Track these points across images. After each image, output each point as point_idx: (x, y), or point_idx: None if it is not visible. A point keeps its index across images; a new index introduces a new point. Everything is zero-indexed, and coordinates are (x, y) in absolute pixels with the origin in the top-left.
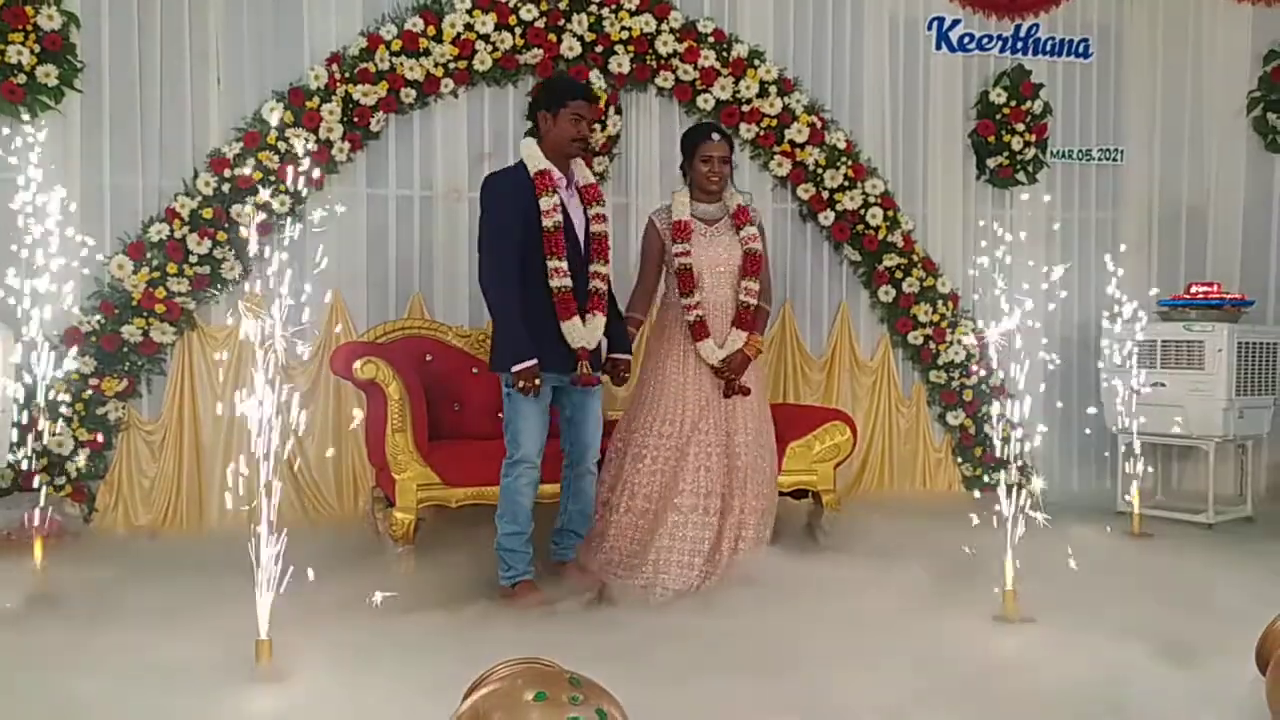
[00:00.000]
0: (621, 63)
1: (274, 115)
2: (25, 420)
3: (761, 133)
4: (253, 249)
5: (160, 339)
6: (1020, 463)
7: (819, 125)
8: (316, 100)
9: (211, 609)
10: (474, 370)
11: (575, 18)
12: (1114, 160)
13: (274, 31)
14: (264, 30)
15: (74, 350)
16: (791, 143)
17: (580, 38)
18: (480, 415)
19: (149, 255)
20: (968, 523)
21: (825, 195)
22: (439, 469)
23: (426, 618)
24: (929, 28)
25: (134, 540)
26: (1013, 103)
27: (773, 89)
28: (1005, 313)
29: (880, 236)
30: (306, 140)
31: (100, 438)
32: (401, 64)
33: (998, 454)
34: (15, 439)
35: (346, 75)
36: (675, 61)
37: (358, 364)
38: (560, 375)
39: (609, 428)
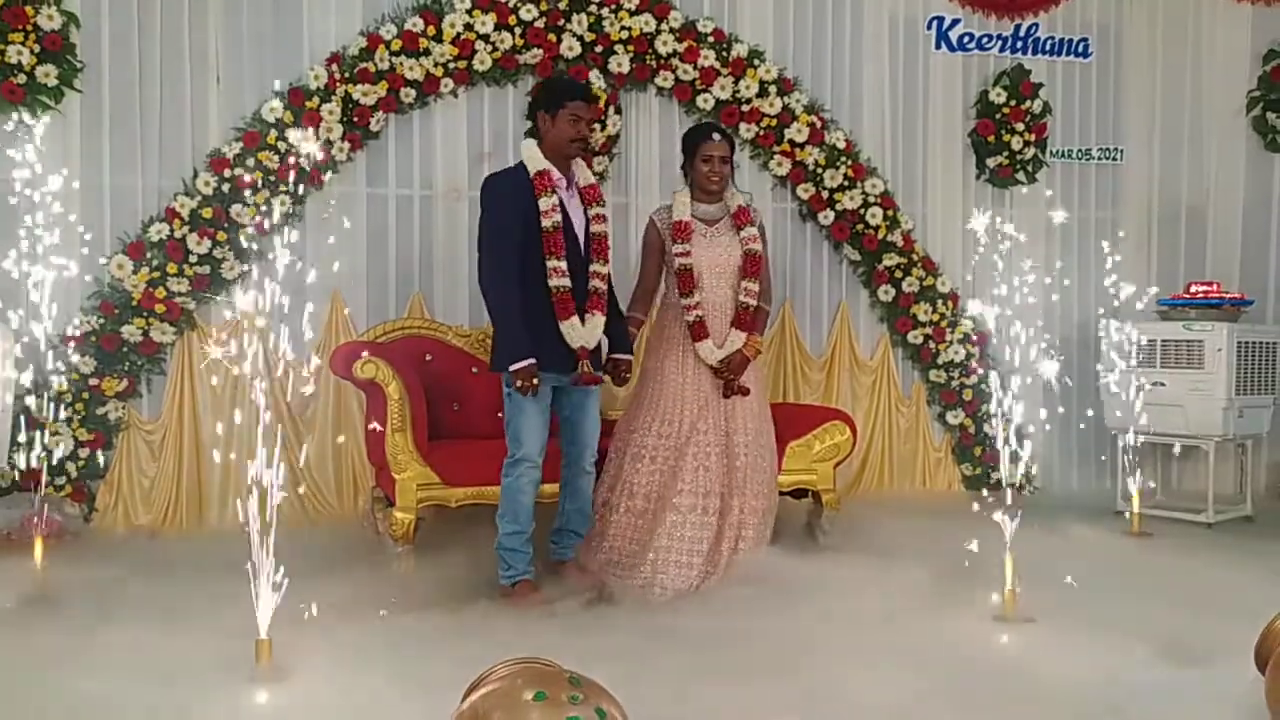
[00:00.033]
0: (621, 62)
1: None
2: (25, 420)
3: (761, 132)
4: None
5: (160, 339)
6: (1014, 450)
7: (819, 125)
8: (316, 100)
9: (211, 609)
10: (474, 370)
11: (575, 18)
12: (1113, 160)
13: (274, 31)
14: (264, 30)
15: (74, 350)
16: (791, 142)
17: (580, 38)
18: (480, 415)
19: (149, 255)
20: (967, 522)
21: (825, 195)
22: (439, 469)
23: (426, 617)
24: (929, 27)
25: (134, 540)
26: (1012, 102)
27: (772, 89)
28: (999, 301)
29: (880, 236)
30: (306, 139)
31: (100, 438)
32: (401, 64)
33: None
34: (16, 439)
35: (346, 75)
36: (675, 61)
37: (358, 364)
38: (560, 375)
39: (608, 427)
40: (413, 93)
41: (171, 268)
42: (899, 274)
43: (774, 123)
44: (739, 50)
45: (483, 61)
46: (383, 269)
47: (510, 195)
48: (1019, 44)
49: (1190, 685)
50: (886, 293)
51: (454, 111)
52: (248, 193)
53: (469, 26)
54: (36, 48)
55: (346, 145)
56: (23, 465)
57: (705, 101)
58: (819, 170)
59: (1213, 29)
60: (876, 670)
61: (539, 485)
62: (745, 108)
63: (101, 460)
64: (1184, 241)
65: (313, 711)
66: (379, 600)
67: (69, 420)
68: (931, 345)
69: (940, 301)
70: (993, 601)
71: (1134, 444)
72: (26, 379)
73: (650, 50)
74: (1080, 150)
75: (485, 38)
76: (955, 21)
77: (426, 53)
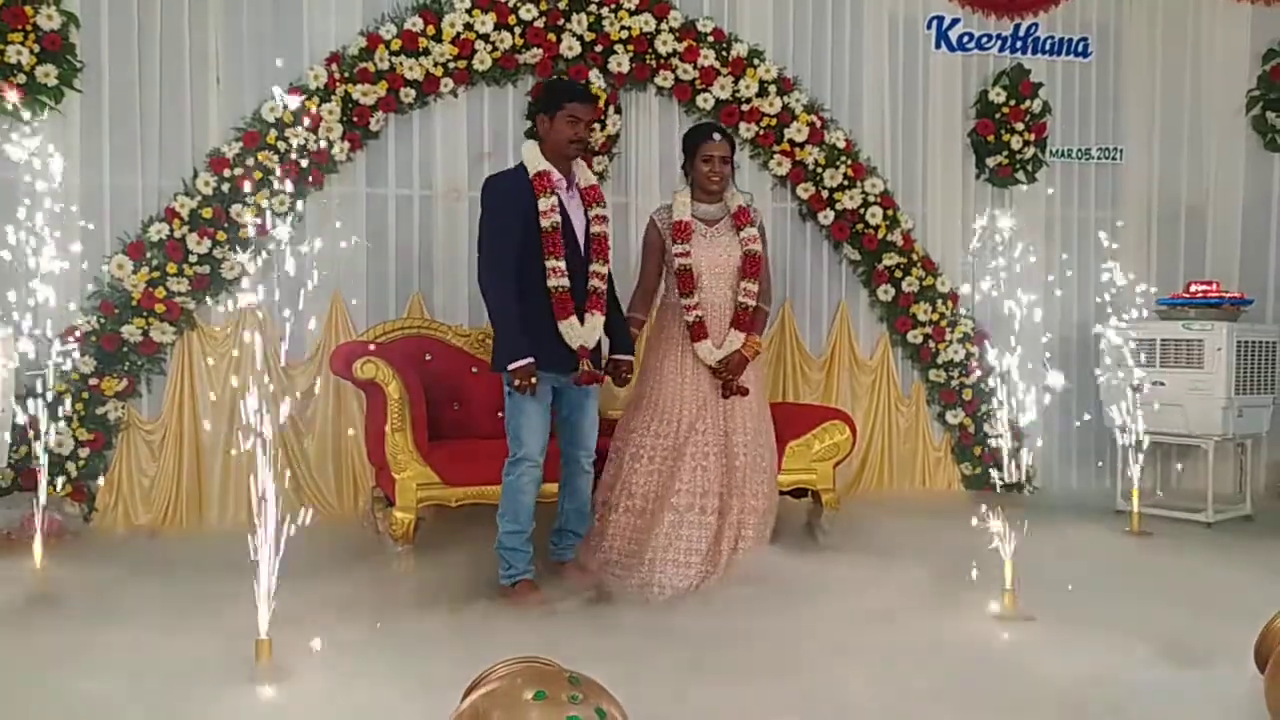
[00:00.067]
0: (621, 62)
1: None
2: (26, 420)
3: (761, 132)
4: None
5: (160, 339)
6: (1014, 445)
7: (818, 124)
8: (316, 100)
9: (211, 609)
10: (474, 370)
11: (575, 17)
12: (1113, 159)
13: (274, 31)
14: (264, 30)
15: (74, 350)
16: (791, 142)
17: (580, 37)
18: (480, 415)
19: (149, 255)
20: (967, 522)
21: (825, 194)
22: (438, 468)
23: (426, 617)
24: (928, 27)
25: (134, 540)
26: (1012, 102)
27: (772, 88)
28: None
29: (880, 235)
30: (306, 139)
31: (100, 437)
32: (401, 64)
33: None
34: (15, 439)
35: (346, 75)
36: (675, 61)
37: (357, 364)
38: (560, 375)
39: (608, 427)
40: (412, 92)
41: (171, 268)
42: (899, 273)
43: (774, 122)
44: (739, 50)
45: (482, 61)
46: (383, 269)
47: (510, 196)
48: (1019, 44)
49: (1190, 685)
50: (886, 292)
51: (454, 111)
52: (247, 187)
53: (469, 26)
54: (36, 48)
55: (346, 145)
56: (23, 465)
57: (705, 101)
58: (819, 170)
59: (1212, 28)
60: (876, 670)
61: (540, 485)
62: (745, 107)
63: (102, 460)
64: (1183, 241)
65: (313, 711)
66: (379, 600)
67: (69, 420)
68: (931, 345)
69: (940, 301)
70: (992, 601)
71: (1133, 444)
72: (26, 379)
73: (650, 50)
74: (1080, 150)
75: (485, 37)
76: (955, 21)
77: (426, 52)
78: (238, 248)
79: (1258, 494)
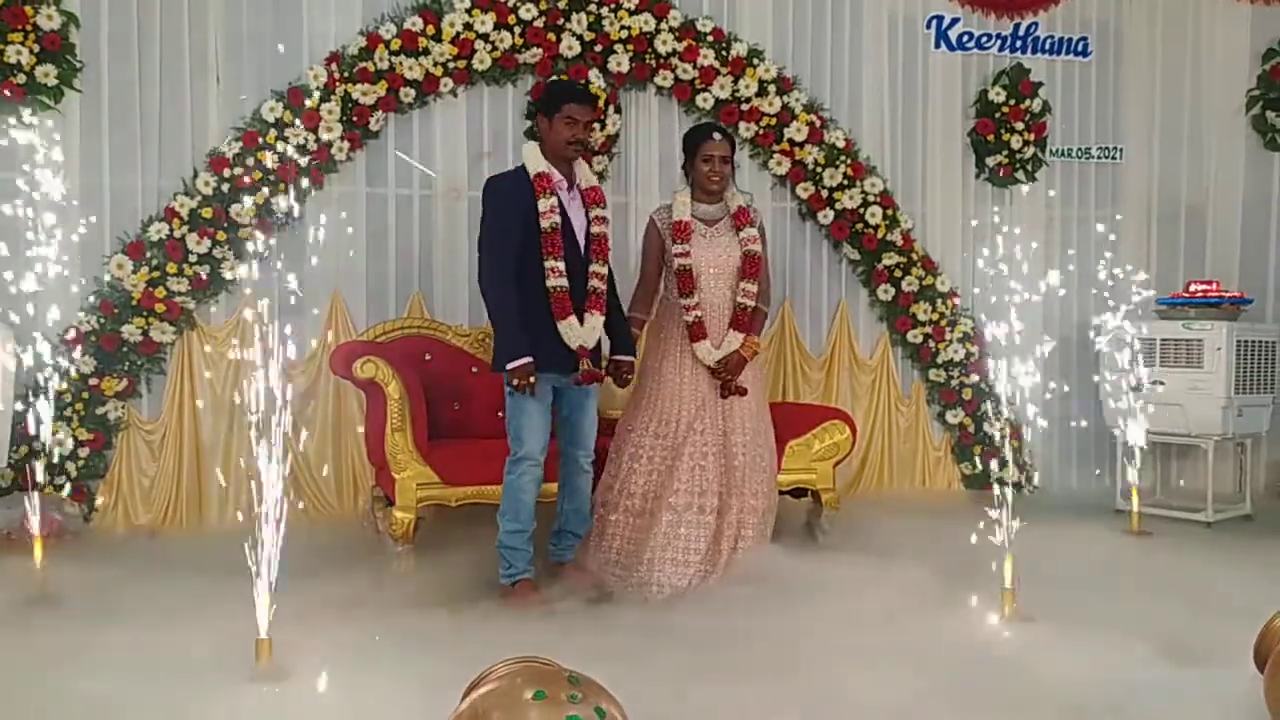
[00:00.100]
0: (621, 62)
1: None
2: (25, 420)
3: (760, 131)
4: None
5: (160, 338)
6: (1015, 446)
7: (818, 124)
8: (316, 99)
9: (211, 608)
10: (474, 369)
11: (574, 17)
12: (1113, 159)
13: (273, 31)
14: (263, 30)
15: (74, 350)
16: (790, 141)
17: (579, 37)
18: (480, 414)
19: (149, 255)
20: (967, 521)
21: (824, 194)
22: (438, 468)
23: (426, 617)
24: (928, 26)
25: (134, 540)
26: (1012, 101)
27: (772, 88)
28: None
29: (879, 235)
30: (306, 138)
31: (100, 437)
32: (401, 63)
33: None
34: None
35: (346, 75)
36: (674, 60)
37: (357, 363)
38: (560, 375)
39: (608, 426)
40: (412, 92)
41: (171, 267)
42: (898, 273)
43: (773, 122)
44: (738, 49)
45: (482, 61)
46: (382, 268)
47: (510, 197)
48: (1018, 43)
49: (1189, 684)
50: (886, 292)
51: (453, 111)
52: (247, 188)
53: (468, 26)
54: (36, 47)
55: (346, 145)
56: (23, 465)
57: (705, 101)
58: (818, 169)
59: (1212, 28)
60: (876, 669)
61: (540, 484)
62: (744, 107)
63: (102, 460)
64: (1183, 240)
65: (313, 711)
66: (379, 600)
67: (69, 420)
68: (931, 344)
69: (940, 301)
70: (992, 600)
71: (1133, 443)
72: (26, 379)
73: (650, 49)
74: (1080, 149)
75: (485, 37)
76: (955, 20)
77: (426, 52)
78: (237, 247)
79: (1257, 493)
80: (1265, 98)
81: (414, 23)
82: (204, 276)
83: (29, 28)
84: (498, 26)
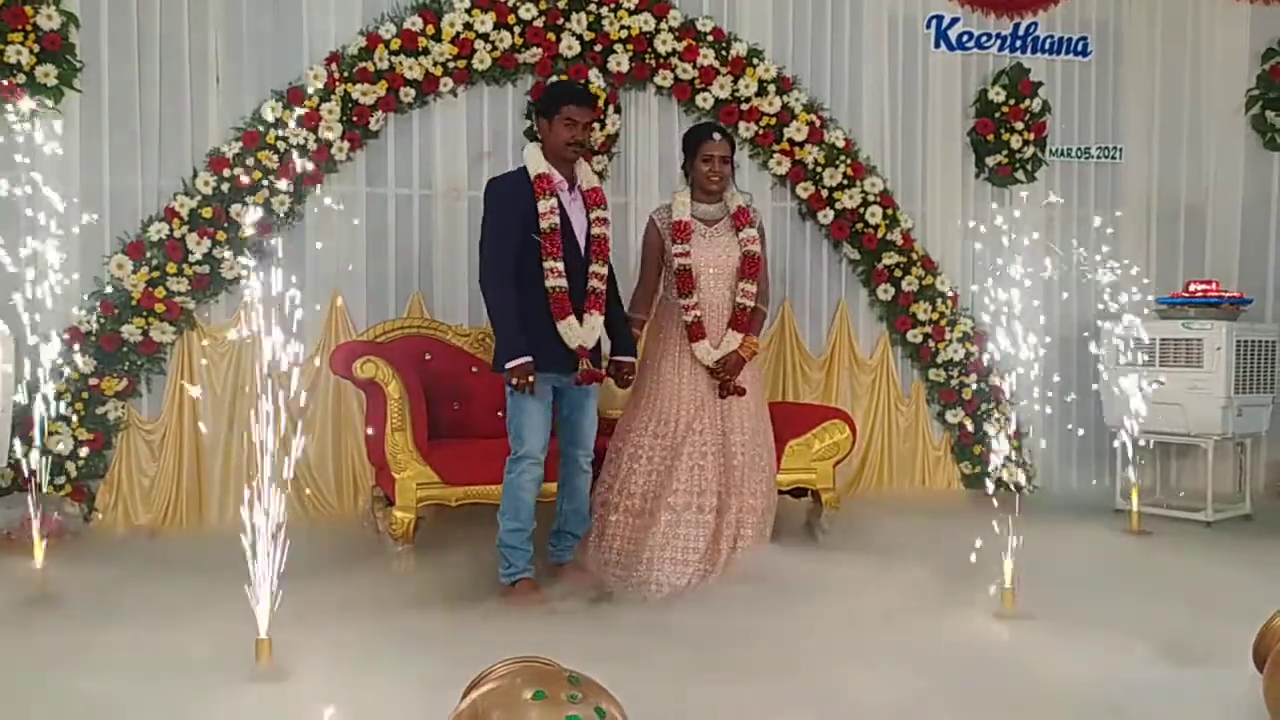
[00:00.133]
0: (620, 62)
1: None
2: (25, 420)
3: (760, 131)
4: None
5: (160, 338)
6: (1015, 446)
7: (818, 124)
8: (315, 99)
9: (211, 608)
10: (474, 369)
11: (574, 17)
12: (1113, 158)
13: (273, 31)
14: (263, 30)
15: (74, 350)
16: (790, 141)
17: (579, 37)
18: (480, 414)
19: (149, 255)
20: (967, 521)
21: (824, 193)
22: (438, 468)
23: (426, 616)
24: (928, 26)
25: (134, 540)
26: (1011, 101)
27: (771, 87)
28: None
29: (879, 235)
30: (306, 138)
31: (100, 437)
32: (400, 63)
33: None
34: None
35: (345, 75)
36: (674, 60)
37: (357, 363)
38: (560, 375)
39: (607, 426)
40: (412, 92)
41: (171, 267)
42: (898, 273)
43: (773, 121)
44: (738, 49)
45: (482, 61)
46: (382, 268)
47: (510, 198)
48: (1018, 43)
49: (1189, 684)
50: (886, 291)
51: (453, 111)
52: (247, 188)
53: (468, 26)
54: (36, 47)
55: (346, 145)
56: (23, 465)
57: (704, 100)
58: (818, 169)
59: (1212, 28)
60: (876, 669)
61: (541, 483)
62: (744, 106)
63: (102, 460)
64: (1183, 240)
65: (312, 711)
66: (379, 600)
67: (69, 420)
68: (931, 344)
69: (940, 300)
70: (992, 600)
71: (1132, 443)
72: (26, 379)
73: (649, 49)
74: (1079, 149)
75: (484, 37)
76: (954, 20)
77: (426, 52)
78: (237, 247)
79: (1257, 493)
80: (1265, 97)
81: (414, 22)
82: (204, 276)
83: (29, 28)
84: (497, 26)
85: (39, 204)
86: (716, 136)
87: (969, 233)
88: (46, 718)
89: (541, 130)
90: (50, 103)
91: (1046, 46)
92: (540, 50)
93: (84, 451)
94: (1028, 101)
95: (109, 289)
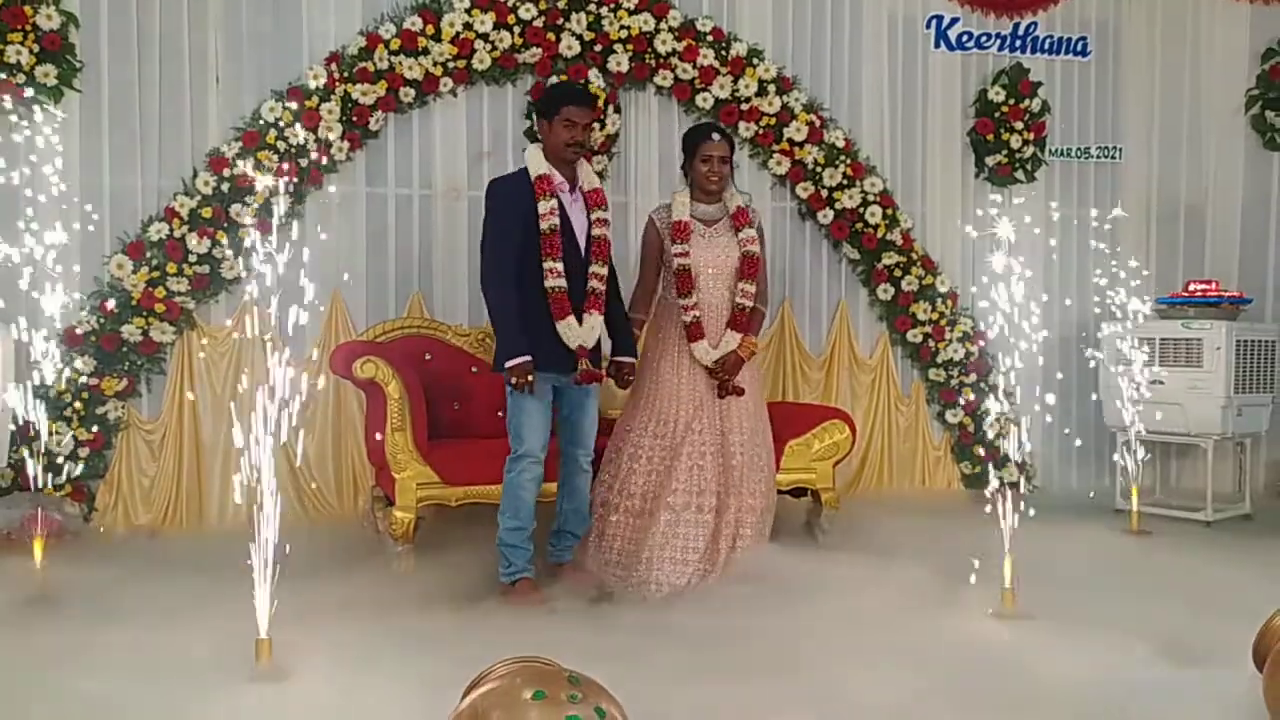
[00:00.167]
0: (620, 61)
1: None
2: (25, 420)
3: (760, 131)
4: (252, 245)
5: (160, 338)
6: (1017, 446)
7: (818, 124)
8: (315, 99)
9: (211, 608)
10: (473, 369)
11: (574, 17)
12: (1112, 158)
13: (273, 31)
14: (263, 30)
15: (74, 349)
16: (790, 141)
17: (579, 36)
18: (480, 414)
19: (148, 255)
20: (967, 521)
21: (824, 193)
22: (438, 468)
23: (426, 616)
24: (927, 26)
25: (134, 540)
26: (1011, 101)
27: (771, 87)
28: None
29: (879, 235)
30: (306, 138)
31: (100, 437)
32: (400, 63)
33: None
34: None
35: (345, 75)
36: (674, 60)
37: (357, 363)
38: (560, 374)
39: (608, 426)
40: (412, 92)
41: (171, 267)
42: (898, 273)
43: (773, 121)
44: (738, 49)
45: (482, 61)
46: (382, 268)
47: (511, 199)
48: (1018, 43)
49: (1189, 683)
50: (886, 291)
51: (453, 111)
52: (247, 188)
53: (468, 25)
54: (36, 47)
55: (346, 145)
56: (23, 465)
57: (704, 100)
58: (818, 169)
59: (1211, 28)
60: (876, 669)
61: (540, 482)
62: (744, 106)
63: (102, 460)
64: (1183, 240)
65: (313, 711)
66: (379, 600)
67: (69, 420)
68: (931, 344)
69: (939, 300)
70: (992, 600)
71: (1132, 443)
72: (26, 379)
73: (649, 49)
74: (1079, 149)
75: (484, 37)
76: (954, 20)
77: (425, 52)
78: (237, 247)
79: (1257, 493)
80: (1264, 97)
81: (414, 22)
82: (204, 276)
83: (29, 28)
84: (497, 26)
85: (39, 204)
86: (715, 137)
87: (968, 233)
88: (46, 718)
89: (541, 131)
90: (50, 103)
91: (1046, 46)
92: (540, 50)
93: (84, 451)
94: (1027, 101)
95: (109, 289)
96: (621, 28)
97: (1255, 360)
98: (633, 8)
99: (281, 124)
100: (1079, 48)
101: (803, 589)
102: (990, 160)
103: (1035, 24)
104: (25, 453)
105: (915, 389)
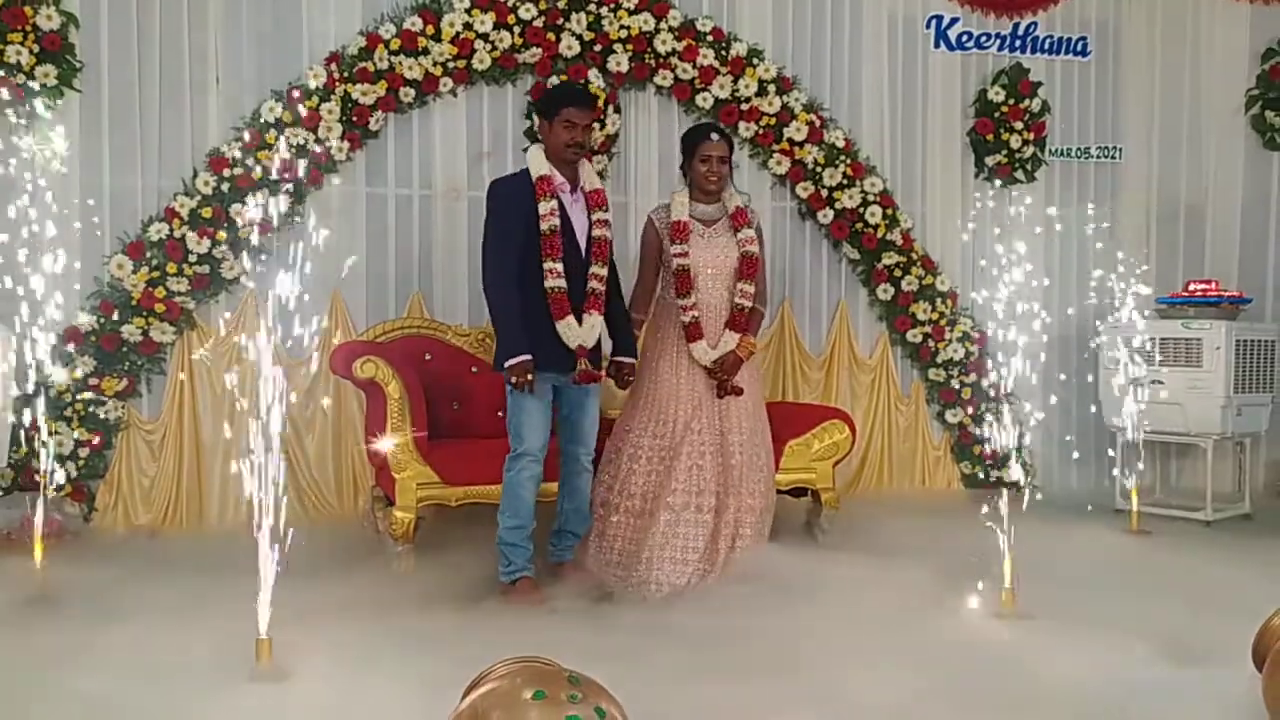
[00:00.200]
0: (620, 61)
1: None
2: (25, 420)
3: (760, 131)
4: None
5: (160, 339)
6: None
7: (818, 123)
8: (315, 100)
9: (211, 608)
10: (474, 369)
11: (574, 16)
12: (1112, 158)
13: (273, 31)
14: (263, 30)
15: (74, 350)
16: (790, 141)
17: (579, 36)
18: (480, 414)
19: (148, 255)
20: (967, 520)
21: (824, 193)
22: (438, 468)
23: (426, 616)
24: (927, 26)
25: (134, 540)
26: (1011, 101)
27: (771, 87)
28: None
29: (879, 235)
30: (306, 138)
31: (100, 437)
32: (400, 63)
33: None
34: (16, 439)
35: (345, 75)
36: (674, 60)
37: (357, 363)
38: (560, 374)
39: (608, 426)
40: (412, 92)
41: (171, 267)
42: (898, 272)
43: (773, 121)
44: (738, 49)
45: (482, 61)
46: (382, 268)
47: (512, 200)
48: (1018, 43)
49: (1189, 683)
50: (885, 291)
51: (453, 111)
52: (247, 188)
53: (468, 26)
54: (36, 47)
55: (346, 145)
56: (23, 465)
57: (704, 100)
58: (818, 169)
59: (1211, 28)
60: (876, 669)
61: (540, 481)
62: (744, 106)
63: (102, 460)
64: (1182, 240)
65: (313, 711)
66: (379, 600)
67: (69, 420)
68: (930, 344)
69: (939, 300)
70: (992, 600)
71: (1132, 443)
72: (26, 379)
73: (649, 49)
74: (1079, 149)
75: (484, 37)
76: (954, 20)
77: (425, 52)
78: (237, 247)
79: (1256, 492)
80: (1264, 97)
81: (414, 23)
82: (204, 276)
83: (29, 28)
84: (497, 26)
85: (39, 204)
86: (714, 137)
87: (968, 233)
88: (46, 718)
89: (542, 132)
90: (50, 103)
91: (1046, 46)
92: (540, 50)
93: (84, 451)
94: (1027, 101)
95: (109, 289)
96: (621, 28)
97: (1255, 360)
98: (633, 8)
99: (283, 123)
100: (1079, 48)
101: (802, 589)
102: (990, 160)
103: (1035, 24)
104: (25, 453)
105: (915, 389)
